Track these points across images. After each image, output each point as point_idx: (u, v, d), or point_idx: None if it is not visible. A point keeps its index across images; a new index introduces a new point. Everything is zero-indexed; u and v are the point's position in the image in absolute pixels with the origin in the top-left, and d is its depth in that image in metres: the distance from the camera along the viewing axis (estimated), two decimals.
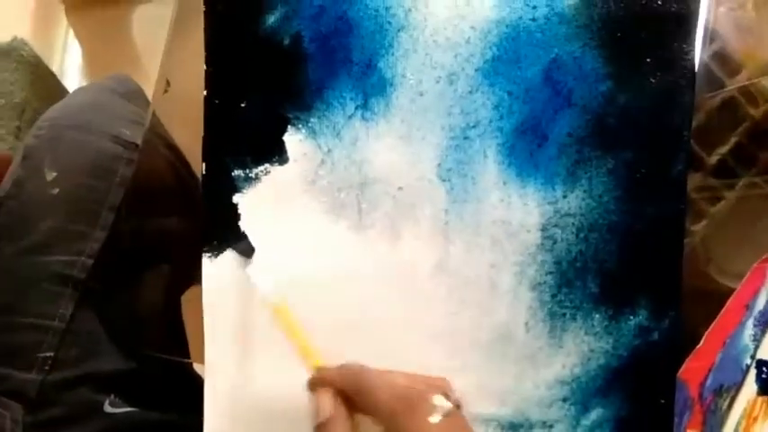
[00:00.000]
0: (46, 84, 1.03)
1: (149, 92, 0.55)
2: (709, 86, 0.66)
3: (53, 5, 1.13)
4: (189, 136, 0.45)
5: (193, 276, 0.50)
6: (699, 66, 0.63)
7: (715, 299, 0.55)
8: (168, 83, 0.43)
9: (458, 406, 0.34)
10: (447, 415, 0.32)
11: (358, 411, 0.33)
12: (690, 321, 0.50)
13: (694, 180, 0.66)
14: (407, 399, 0.32)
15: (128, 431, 0.40)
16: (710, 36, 0.62)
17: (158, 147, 0.48)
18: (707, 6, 0.49)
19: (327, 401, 0.32)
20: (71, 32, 1.14)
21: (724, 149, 0.66)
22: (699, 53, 0.56)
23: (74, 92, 0.51)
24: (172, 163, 0.49)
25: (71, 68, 1.14)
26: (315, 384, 0.34)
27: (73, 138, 0.43)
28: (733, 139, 0.65)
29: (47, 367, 0.39)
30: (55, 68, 1.07)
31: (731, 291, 0.53)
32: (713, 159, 0.67)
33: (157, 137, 0.49)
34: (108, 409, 0.40)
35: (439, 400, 0.33)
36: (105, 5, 1.10)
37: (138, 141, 0.45)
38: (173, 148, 0.50)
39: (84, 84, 1.10)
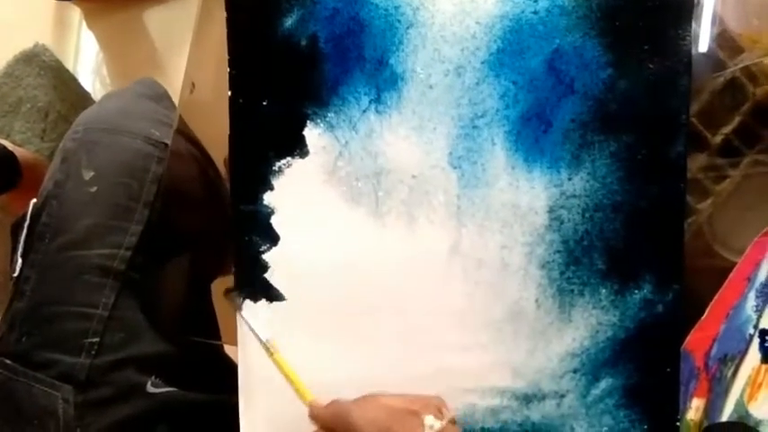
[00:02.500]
0: (68, 87, 1.06)
1: (169, 91, 0.58)
2: (713, 68, 0.68)
3: (70, 11, 1.16)
4: (213, 134, 0.48)
5: (222, 265, 0.53)
6: (702, 48, 0.65)
7: (721, 274, 0.57)
8: (193, 85, 0.46)
9: (452, 422, 0.36)
10: None
11: None
12: (697, 296, 0.52)
13: (700, 160, 0.68)
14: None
15: (169, 409, 0.44)
16: (712, 19, 0.64)
17: (184, 144, 0.51)
18: None
19: None
20: (84, 36, 1.18)
21: (728, 129, 0.67)
22: (704, 36, 0.58)
23: (105, 96, 0.54)
24: (196, 158, 0.52)
25: (85, 71, 1.17)
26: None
27: (107, 140, 0.46)
28: (737, 119, 0.67)
29: (93, 351, 0.42)
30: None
31: None
32: (718, 139, 0.68)
33: (182, 135, 0.52)
34: (150, 389, 0.43)
35: (429, 421, 0.35)
36: (121, 9, 1.13)
37: (167, 141, 0.48)
38: (196, 145, 0.53)
39: (98, 85, 1.14)
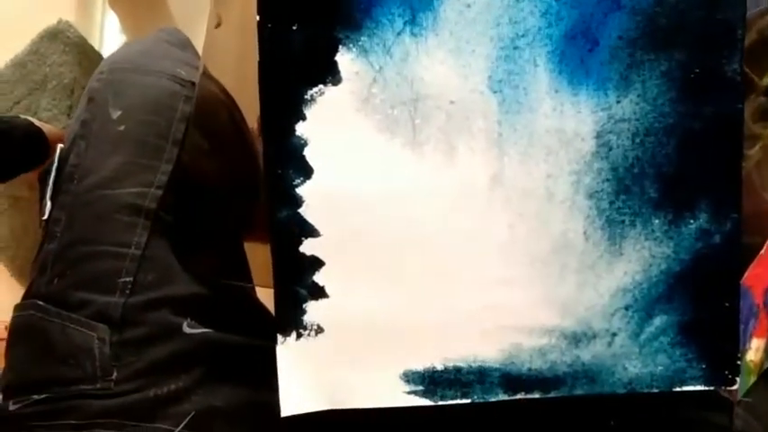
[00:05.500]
0: (93, 63, 1.06)
1: None
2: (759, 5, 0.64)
3: None
4: (239, 72, 0.46)
5: (252, 216, 0.52)
6: None
7: None
8: (219, 18, 0.44)
9: None
10: None
11: None
12: (745, 245, 0.49)
13: (747, 103, 0.64)
14: None
15: (206, 350, 0.42)
16: None
17: (212, 89, 0.50)
18: None
19: None
20: (108, 13, 1.17)
21: None
22: None
23: (128, 42, 0.53)
24: (225, 104, 0.50)
25: (109, 48, 1.16)
26: None
27: (134, 78, 0.45)
28: None
29: (127, 291, 0.41)
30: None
31: None
32: (765, 81, 0.65)
33: (211, 79, 0.50)
34: (186, 329, 0.42)
35: None
36: None
37: (194, 80, 0.46)
38: (224, 92, 0.52)
39: None
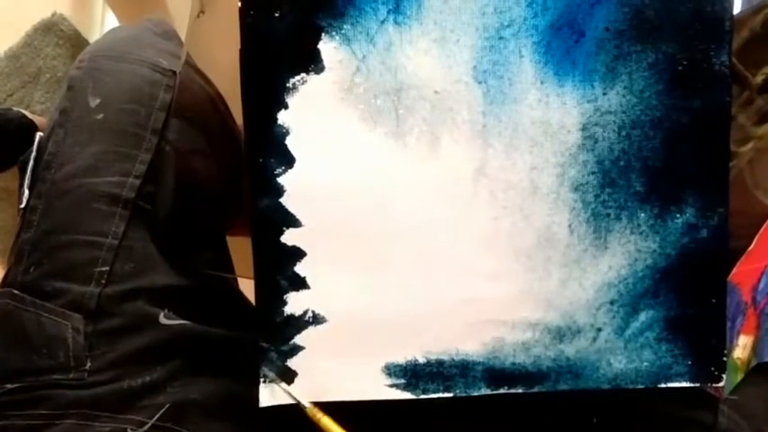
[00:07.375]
0: None
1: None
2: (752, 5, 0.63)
3: None
4: (224, 57, 0.46)
5: (237, 208, 0.51)
6: None
7: (762, 222, 0.53)
8: (203, 6, 0.44)
9: None
10: None
11: None
12: (736, 244, 0.49)
13: (740, 101, 0.63)
14: None
15: (182, 342, 0.42)
16: None
17: (196, 79, 0.49)
18: None
19: None
20: (107, 7, 1.16)
21: None
22: None
23: (112, 29, 0.52)
24: (210, 95, 0.50)
25: None
26: None
27: (113, 66, 0.45)
28: None
29: (103, 281, 0.40)
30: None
31: None
32: (759, 79, 0.64)
33: (195, 71, 0.50)
34: (163, 321, 0.41)
35: None
36: None
37: (175, 69, 0.46)
38: (210, 84, 0.51)
39: None
